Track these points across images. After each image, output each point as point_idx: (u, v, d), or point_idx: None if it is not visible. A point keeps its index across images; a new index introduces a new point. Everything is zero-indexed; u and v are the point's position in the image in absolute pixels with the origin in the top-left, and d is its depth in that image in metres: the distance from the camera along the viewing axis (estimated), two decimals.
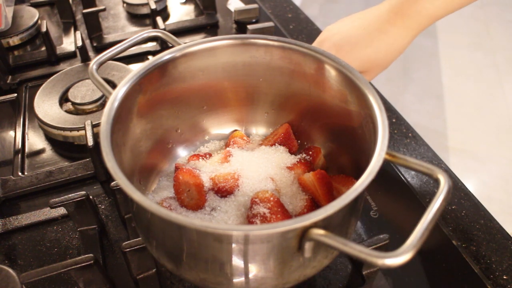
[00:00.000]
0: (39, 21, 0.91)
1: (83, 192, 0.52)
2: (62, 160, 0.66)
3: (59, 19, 0.96)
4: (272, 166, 0.50)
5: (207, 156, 0.53)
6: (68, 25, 0.95)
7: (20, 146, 0.67)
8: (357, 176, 0.36)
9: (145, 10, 0.96)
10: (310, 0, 2.77)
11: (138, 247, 0.45)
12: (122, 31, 0.93)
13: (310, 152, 0.53)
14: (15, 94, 0.72)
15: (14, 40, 0.88)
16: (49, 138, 0.69)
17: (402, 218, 0.56)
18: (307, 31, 0.91)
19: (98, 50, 0.87)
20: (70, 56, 0.86)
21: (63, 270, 0.44)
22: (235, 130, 0.57)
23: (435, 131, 1.91)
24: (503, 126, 1.95)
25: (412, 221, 0.34)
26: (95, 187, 0.61)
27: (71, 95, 0.71)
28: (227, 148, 0.54)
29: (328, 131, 0.53)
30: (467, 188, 0.60)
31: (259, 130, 0.58)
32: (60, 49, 0.86)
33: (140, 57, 0.85)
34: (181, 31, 0.91)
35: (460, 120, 1.97)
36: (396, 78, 2.21)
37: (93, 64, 0.48)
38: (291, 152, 0.54)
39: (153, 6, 0.88)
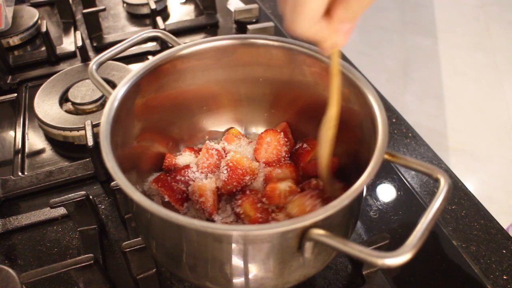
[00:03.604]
0: (39, 21, 0.91)
1: (83, 192, 0.52)
2: (62, 160, 0.66)
3: (59, 19, 0.96)
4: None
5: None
6: (68, 25, 0.95)
7: (20, 146, 0.67)
8: (357, 176, 0.36)
9: (145, 10, 0.96)
10: None
11: (138, 247, 0.45)
12: (122, 31, 0.93)
13: (305, 145, 0.53)
14: (15, 94, 0.72)
15: (14, 40, 0.88)
16: (49, 138, 0.69)
17: (402, 218, 0.56)
18: None
19: (98, 50, 0.87)
20: (70, 56, 0.86)
21: (63, 270, 0.44)
22: (231, 128, 0.58)
23: (435, 131, 1.91)
24: (503, 126, 1.94)
25: (412, 221, 0.34)
26: (95, 187, 0.61)
27: (71, 95, 0.71)
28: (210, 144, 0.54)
29: None
30: (467, 188, 0.60)
31: (259, 130, 0.58)
32: (60, 49, 0.86)
33: (140, 57, 0.85)
34: (181, 31, 0.91)
35: (460, 120, 1.96)
36: (396, 78, 2.21)
37: (93, 64, 0.48)
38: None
39: (153, 6, 0.88)
